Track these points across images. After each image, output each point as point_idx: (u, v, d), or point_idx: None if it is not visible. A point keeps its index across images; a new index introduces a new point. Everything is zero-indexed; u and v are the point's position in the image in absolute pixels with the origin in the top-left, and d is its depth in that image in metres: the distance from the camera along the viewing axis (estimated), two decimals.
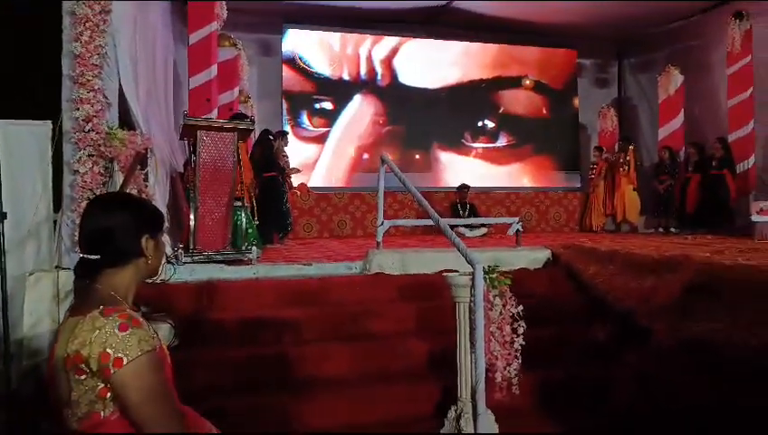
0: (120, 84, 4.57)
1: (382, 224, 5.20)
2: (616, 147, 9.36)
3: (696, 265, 3.67)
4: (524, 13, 8.78)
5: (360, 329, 3.88)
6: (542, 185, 10.11)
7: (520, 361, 2.93)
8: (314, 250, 6.22)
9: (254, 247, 4.88)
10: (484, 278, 2.92)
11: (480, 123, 9.96)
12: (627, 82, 10.51)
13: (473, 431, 2.87)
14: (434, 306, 3.90)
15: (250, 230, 5.36)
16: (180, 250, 4.53)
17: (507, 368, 2.91)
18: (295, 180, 7.99)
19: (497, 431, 2.92)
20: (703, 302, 3.46)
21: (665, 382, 3.14)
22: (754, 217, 6.76)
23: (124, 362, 1.34)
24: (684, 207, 8.22)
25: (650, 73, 9.62)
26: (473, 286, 2.90)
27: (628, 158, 8.98)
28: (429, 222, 3.88)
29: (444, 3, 8.47)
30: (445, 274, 3.20)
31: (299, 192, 8.25)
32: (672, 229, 8.31)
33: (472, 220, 8.14)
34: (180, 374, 1.65)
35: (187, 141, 5.02)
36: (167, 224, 4.85)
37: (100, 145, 4.17)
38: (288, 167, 7.39)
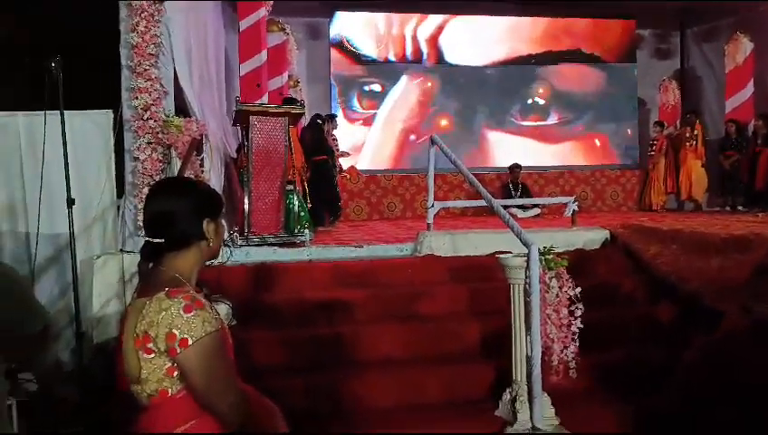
0: (175, 72, 4.69)
1: (432, 206, 5.15)
2: (678, 122, 8.90)
3: None
4: None
5: (412, 310, 3.88)
6: (598, 163, 9.77)
7: (577, 344, 2.86)
8: (365, 232, 6.25)
9: (306, 230, 4.94)
10: (540, 260, 2.86)
11: (530, 101, 9.69)
12: (690, 52, 9.94)
13: (528, 414, 2.84)
14: (487, 288, 3.85)
15: (302, 213, 5.43)
16: (236, 233, 4.64)
17: (564, 351, 2.85)
18: (344, 163, 8.01)
19: (553, 415, 2.88)
20: None
21: (735, 365, 3.00)
22: None
23: (189, 343, 1.38)
24: (753, 183, 7.77)
25: (716, 42, 9.06)
26: (528, 268, 2.85)
27: (695, 132, 8.53)
28: (481, 203, 3.83)
29: None
30: (498, 255, 3.15)
31: (348, 175, 8.28)
32: (739, 207, 7.88)
33: (525, 200, 7.96)
34: (237, 354, 1.68)
35: (240, 127, 5.12)
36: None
37: (158, 132, 4.31)
38: (337, 150, 7.42)
